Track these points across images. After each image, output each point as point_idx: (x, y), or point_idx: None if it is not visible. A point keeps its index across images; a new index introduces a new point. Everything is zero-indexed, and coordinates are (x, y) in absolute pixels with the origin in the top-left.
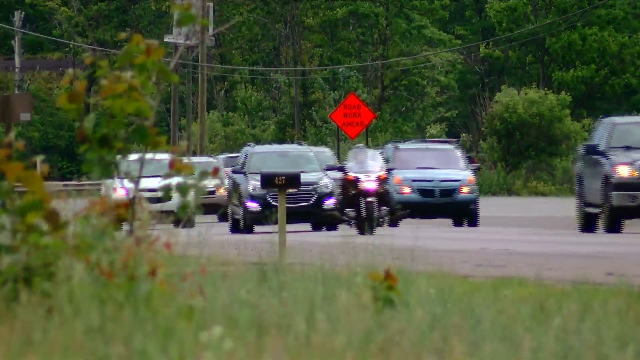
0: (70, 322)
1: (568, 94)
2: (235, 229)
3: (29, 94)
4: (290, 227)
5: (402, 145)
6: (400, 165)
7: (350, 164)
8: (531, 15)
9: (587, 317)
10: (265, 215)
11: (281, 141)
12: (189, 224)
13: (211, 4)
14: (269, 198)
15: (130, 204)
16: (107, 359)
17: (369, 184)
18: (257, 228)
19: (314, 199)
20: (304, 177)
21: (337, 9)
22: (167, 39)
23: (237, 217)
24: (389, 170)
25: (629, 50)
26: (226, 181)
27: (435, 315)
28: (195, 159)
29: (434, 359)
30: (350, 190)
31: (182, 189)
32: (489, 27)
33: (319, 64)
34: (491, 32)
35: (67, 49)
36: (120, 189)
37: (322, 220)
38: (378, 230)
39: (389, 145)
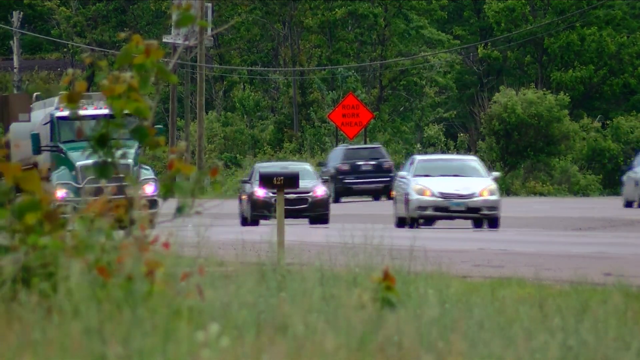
0: (69, 322)
1: (566, 94)
2: None
3: (27, 94)
4: None
5: None
6: None
7: None
8: (529, 15)
9: (585, 317)
10: None
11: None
12: None
13: (210, 5)
14: None
15: (129, 204)
16: (106, 358)
17: None
18: None
19: None
20: None
21: (336, 10)
22: (166, 39)
23: None
24: None
25: (627, 50)
26: None
27: (434, 315)
28: None
29: (433, 359)
30: None
31: (180, 188)
32: (487, 27)
33: (317, 64)
34: (489, 33)
35: (65, 49)
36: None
37: None
38: None
39: None
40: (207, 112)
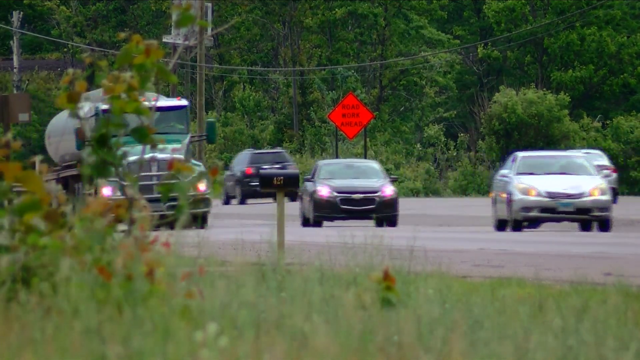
0: (69, 322)
1: (566, 94)
2: None
3: (27, 94)
4: None
5: None
6: None
7: None
8: (529, 15)
9: (585, 317)
10: None
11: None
12: None
13: (209, 4)
14: None
15: (128, 204)
16: (106, 358)
17: None
18: None
19: None
20: None
21: (336, 9)
22: (166, 39)
23: None
24: None
25: (627, 50)
26: None
27: (434, 315)
28: None
29: (433, 359)
30: None
31: (180, 189)
32: (487, 27)
33: (317, 64)
34: (489, 33)
35: (65, 49)
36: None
37: None
38: None
39: None
40: (207, 112)
